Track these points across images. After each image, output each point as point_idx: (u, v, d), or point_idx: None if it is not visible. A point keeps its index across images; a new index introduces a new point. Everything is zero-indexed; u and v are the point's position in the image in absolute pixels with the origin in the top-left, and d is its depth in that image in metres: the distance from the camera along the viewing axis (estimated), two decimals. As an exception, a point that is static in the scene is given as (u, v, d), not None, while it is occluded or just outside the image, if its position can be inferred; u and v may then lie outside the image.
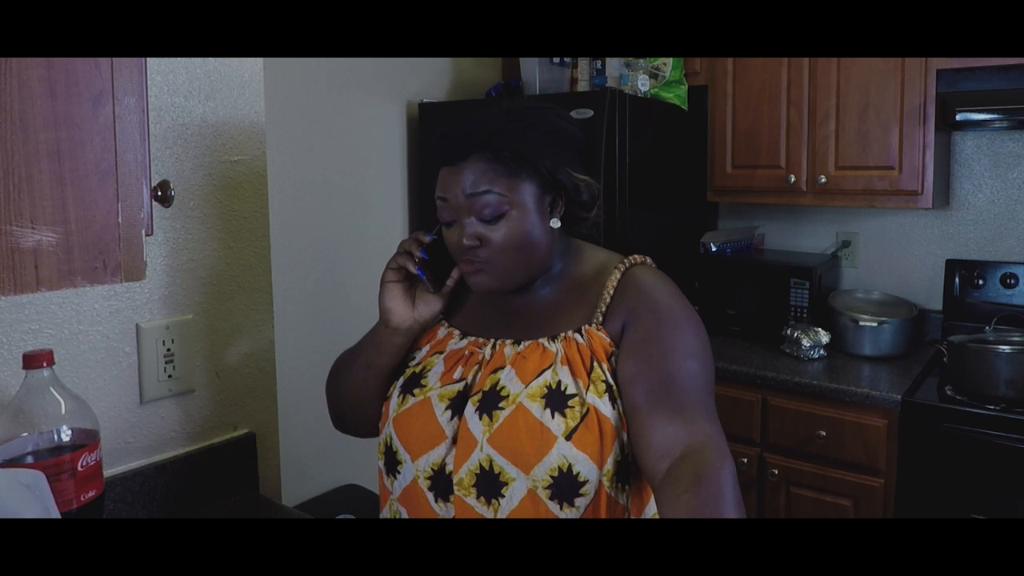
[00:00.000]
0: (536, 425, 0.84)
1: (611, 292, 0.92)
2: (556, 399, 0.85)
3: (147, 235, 0.72)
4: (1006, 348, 1.78)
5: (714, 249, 2.40)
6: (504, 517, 0.84)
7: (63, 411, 0.92)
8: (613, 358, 0.89)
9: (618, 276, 0.94)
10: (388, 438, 0.93)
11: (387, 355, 0.97)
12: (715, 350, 2.03)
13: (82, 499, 0.92)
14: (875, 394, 1.84)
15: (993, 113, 1.96)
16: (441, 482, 0.88)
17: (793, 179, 2.23)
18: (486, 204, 0.89)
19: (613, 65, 2.24)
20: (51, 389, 0.92)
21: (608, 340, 0.90)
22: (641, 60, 2.23)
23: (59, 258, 0.65)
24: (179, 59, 1.17)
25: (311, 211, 2.16)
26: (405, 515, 0.93)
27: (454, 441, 0.88)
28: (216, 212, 1.24)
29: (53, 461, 0.89)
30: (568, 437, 0.83)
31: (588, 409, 0.84)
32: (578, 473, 0.83)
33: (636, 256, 0.98)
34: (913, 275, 2.39)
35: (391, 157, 2.40)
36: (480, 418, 0.86)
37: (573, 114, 2.03)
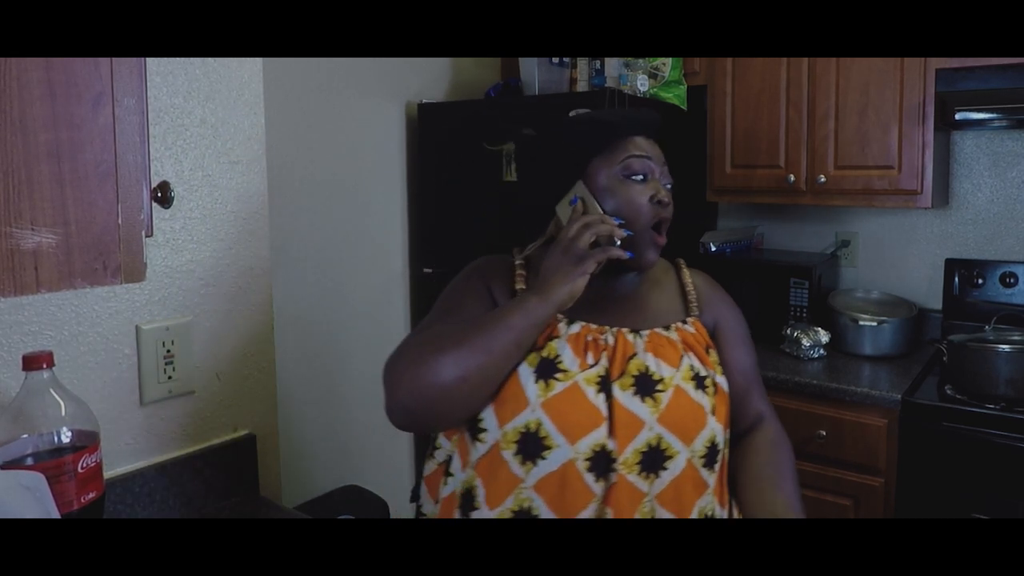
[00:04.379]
0: (693, 404, 0.97)
1: (692, 289, 1.11)
2: (699, 381, 1.00)
3: (147, 236, 0.72)
4: (1006, 347, 1.78)
5: (713, 249, 2.40)
6: (664, 486, 0.95)
7: (63, 413, 0.92)
8: (711, 348, 1.07)
9: (688, 275, 1.13)
10: (533, 424, 0.93)
11: (538, 334, 0.95)
12: (715, 350, 2.03)
13: (82, 500, 0.92)
14: (875, 394, 1.84)
15: (992, 112, 1.96)
16: (601, 461, 0.93)
17: (792, 179, 2.23)
18: (669, 176, 1.06)
19: (612, 65, 2.24)
20: (51, 391, 0.92)
21: (706, 329, 1.09)
22: (640, 60, 2.23)
23: (59, 259, 0.64)
24: (178, 60, 1.17)
25: (311, 212, 2.16)
26: (539, 503, 0.92)
27: (610, 421, 0.94)
28: (216, 213, 1.24)
29: (53, 463, 0.89)
30: (713, 412, 0.99)
31: (717, 388, 1.02)
32: (719, 443, 1.00)
33: (679, 259, 1.18)
34: (913, 274, 2.39)
35: (391, 157, 2.40)
36: (643, 400, 0.95)
37: (572, 114, 2.04)
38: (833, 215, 2.51)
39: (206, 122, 1.21)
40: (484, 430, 0.95)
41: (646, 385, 0.96)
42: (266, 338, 1.33)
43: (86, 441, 0.93)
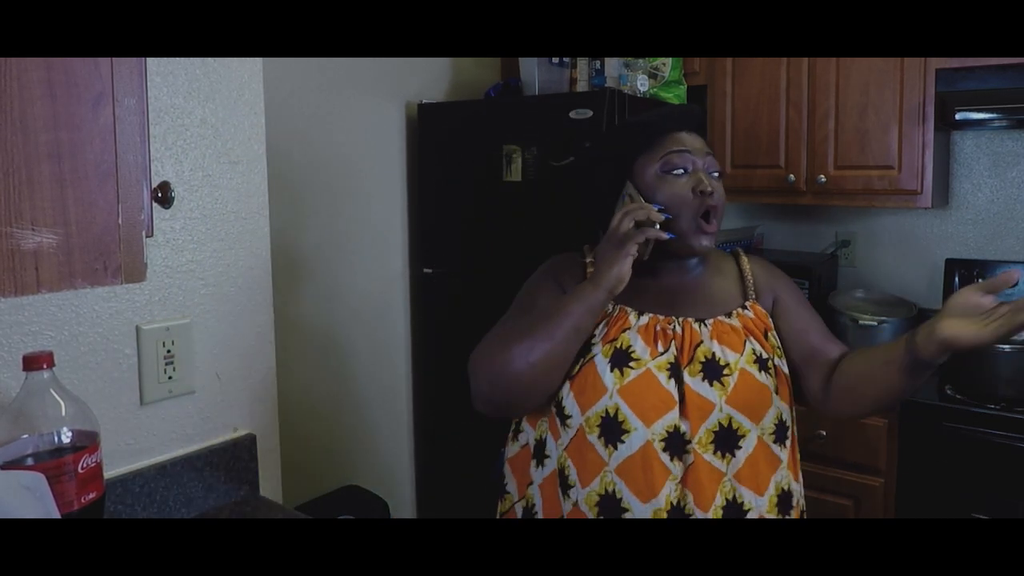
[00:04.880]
0: (759, 385, 1.04)
1: (751, 275, 1.16)
2: (762, 363, 1.06)
3: (147, 236, 0.72)
4: (1006, 347, 1.78)
5: (714, 249, 2.40)
6: (740, 464, 1.02)
7: (63, 413, 0.92)
8: (769, 330, 1.12)
9: (746, 262, 1.19)
10: (612, 409, 1.02)
11: (594, 318, 1.04)
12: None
13: (82, 501, 0.92)
14: (875, 394, 1.84)
15: (992, 112, 1.96)
16: (676, 442, 1.01)
17: (792, 179, 2.23)
18: (713, 163, 1.10)
19: (612, 65, 2.24)
20: (51, 391, 0.92)
21: (766, 312, 1.13)
22: (640, 60, 2.23)
23: (59, 260, 0.64)
24: (179, 60, 1.17)
25: (311, 212, 2.16)
26: (621, 487, 1.01)
27: (681, 404, 1.02)
28: (216, 213, 1.24)
29: (53, 463, 0.89)
30: (776, 391, 1.06)
31: (778, 370, 1.08)
32: (785, 420, 1.08)
33: (737, 249, 1.24)
34: (913, 274, 2.39)
35: (391, 157, 2.40)
36: (711, 385, 1.02)
37: (572, 115, 2.04)
38: (833, 215, 2.51)
39: (206, 122, 1.21)
40: (569, 416, 1.05)
41: (714, 370, 1.03)
42: (266, 338, 1.33)
43: (86, 441, 0.93)
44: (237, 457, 1.26)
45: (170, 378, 1.18)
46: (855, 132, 2.13)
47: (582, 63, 2.32)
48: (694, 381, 1.03)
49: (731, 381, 1.03)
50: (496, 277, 2.10)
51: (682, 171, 1.07)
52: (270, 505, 1.26)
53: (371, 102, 2.31)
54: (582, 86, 2.31)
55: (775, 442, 1.06)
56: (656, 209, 1.03)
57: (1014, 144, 2.22)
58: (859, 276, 2.48)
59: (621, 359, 1.04)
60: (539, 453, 1.09)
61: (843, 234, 2.50)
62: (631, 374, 1.03)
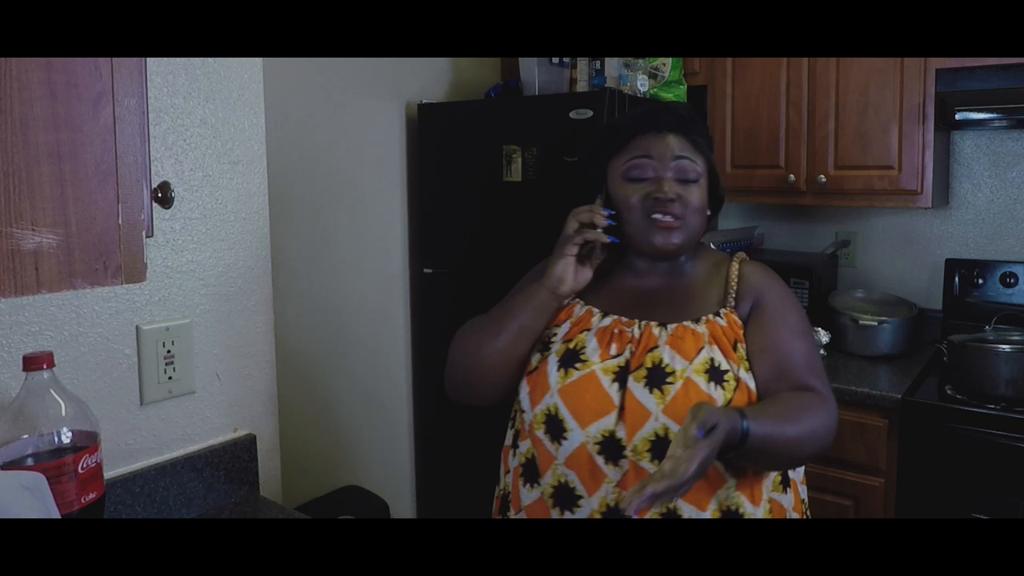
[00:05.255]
0: (704, 396, 0.98)
1: (735, 281, 1.10)
2: (715, 374, 1.00)
3: (147, 236, 0.72)
4: (1006, 347, 1.78)
5: (714, 249, 2.40)
6: None
7: (63, 413, 0.92)
8: (740, 342, 1.05)
9: (737, 268, 1.12)
10: (552, 408, 1.03)
11: (542, 319, 1.08)
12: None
13: (83, 501, 0.92)
14: (875, 394, 1.84)
15: (992, 112, 1.96)
16: (611, 447, 0.99)
17: (792, 179, 2.22)
18: (686, 167, 1.06)
19: (612, 65, 2.23)
20: (51, 391, 0.92)
21: (740, 322, 1.07)
22: (640, 60, 2.23)
23: (59, 260, 0.64)
24: (179, 60, 1.17)
25: (311, 212, 2.16)
26: (573, 478, 1.01)
27: (620, 411, 0.99)
28: (216, 213, 1.24)
29: (54, 463, 0.89)
30: (726, 406, 0.97)
31: (739, 382, 1.01)
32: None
33: (741, 253, 1.17)
34: (913, 274, 2.39)
35: (391, 157, 2.40)
36: (651, 392, 0.98)
37: (572, 115, 2.04)
38: (833, 215, 2.51)
39: (206, 122, 1.21)
40: (524, 411, 1.07)
41: (658, 377, 1.00)
42: (266, 338, 1.33)
43: (86, 441, 0.93)
44: (237, 457, 1.26)
45: (170, 378, 1.18)
46: (855, 132, 2.13)
47: (582, 63, 2.32)
48: (637, 387, 1.00)
49: (672, 390, 0.98)
50: (496, 277, 2.09)
51: (641, 178, 1.06)
52: (270, 505, 1.26)
53: (371, 102, 2.31)
54: (582, 86, 2.31)
55: (719, 459, 0.96)
56: (605, 213, 1.04)
57: (1014, 144, 2.22)
58: (859, 276, 2.47)
59: (570, 359, 1.04)
60: (514, 443, 1.12)
61: (843, 234, 2.49)
62: (574, 375, 1.02)
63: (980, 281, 2.20)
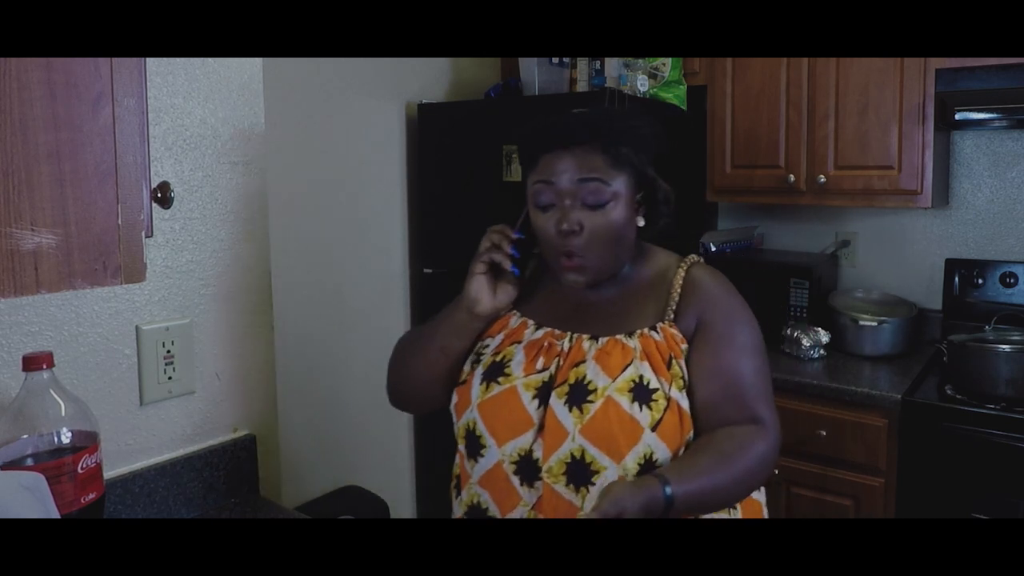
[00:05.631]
0: (626, 417, 0.90)
1: (678, 291, 1.00)
2: (641, 392, 0.92)
3: (147, 237, 0.72)
4: (1006, 347, 1.78)
5: (713, 249, 2.40)
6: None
7: (63, 413, 0.92)
8: (684, 354, 0.97)
9: (682, 275, 1.02)
10: (471, 423, 0.98)
11: (465, 339, 1.03)
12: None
13: (82, 501, 0.92)
14: (875, 394, 1.84)
15: (992, 112, 1.96)
16: (527, 467, 0.93)
17: (792, 179, 2.22)
18: (592, 191, 0.94)
19: (612, 65, 2.23)
20: (51, 391, 0.92)
21: (680, 336, 0.98)
22: (640, 60, 2.23)
23: (59, 260, 0.64)
24: (178, 61, 1.17)
25: (310, 212, 2.16)
26: (486, 498, 0.97)
27: (540, 429, 0.93)
28: (216, 214, 1.24)
29: (53, 463, 0.89)
30: (654, 428, 0.91)
31: (670, 402, 0.93)
32: (658, 460, 0.91)
33: (693, 256, 1.06)
34: (913, 274, 2.39)
35: (390, 157, 2.40)
36: (570, 410, 0.92)
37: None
38: (833, 215, 2.51)
39: (206, 122, 1.21)
40: (453, 424, 1.02)
41: (578, 394, 0.92)
42: (266, 338, 1.33)
43: (86, 442, 0.93)
44: (237, 457, 1.26)
45: (170, 378, 1.18)
46: (855, 132, 2.13)
47: (582, 63, 2.32)
48: (558, 404, 0.93)
49: (592, 408, 0.91)
50: (496, 277, 2.10)
51: (546, 206, 0.96)
52: (270, 505, 1.26)
53: (371, 102, 2.31)
54: (582, 86, 2.31)
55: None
56: (514, 236, 0.99)
57: (1014, 144, 2.22)
58: (859, 276, 2.47)
59: (493, 373, 0.98)
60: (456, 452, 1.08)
61: (843, 234, 2.49)
62: (495, 389, 0.96)
63: (980, 281, 2.20)
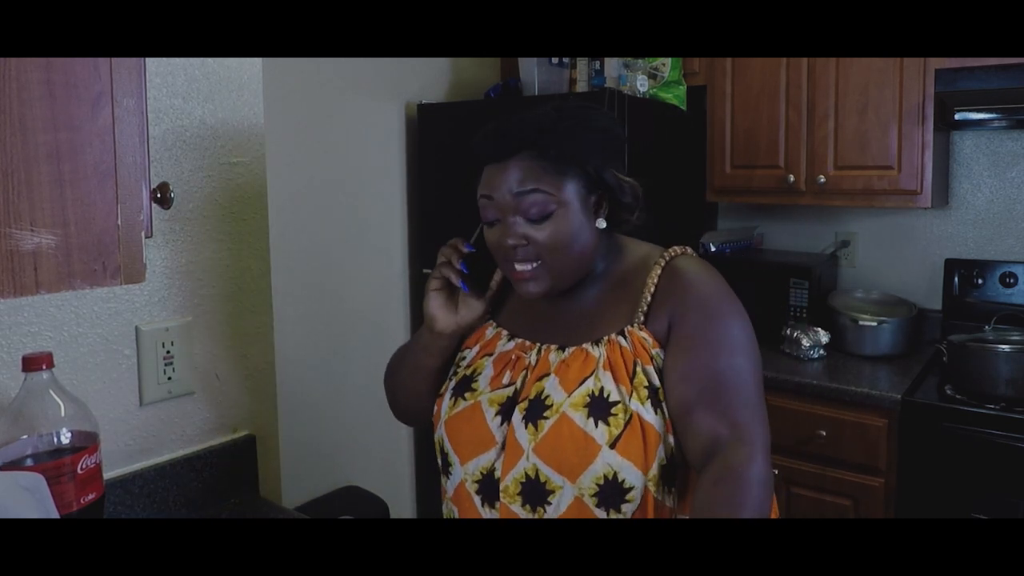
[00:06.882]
0: (580, 434, 0.84)
1: (652, 289, 0.91)
2: (599, 407, 0.84)
3: (146, 237, 0.72)
4: (1006, 347, 1.78)
5: (713, 249, 2.40)
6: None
7: (63, 413, 0.92)
8: (656, 358, 0.88)
9: (659, 271, 0.92)
10: (441, 440, 0.95)
11: (434, 357, 1.00)
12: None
13: (82, 501, 0.92)
14: (875, 394, 1.84)
15: (992, 112, 1.96)
16: (489, 487, 0.89)
17: (792, 179, 2.22)
18: (533, 203, 0.87)
19: (612, 65, 2.23)
20: (51, 391, 0.92)
21: (652, 340, 0.89)
22: (640, 60, 2.23)
23: (58, 260, 0.64)
24: (178, 61, 1.17)
25: (310, 212, 2.16)
26: (456, 514, 0.94)
27: (503, 447, 0.88)
28: (215, 214, 1.24)
29: (53, 464, 0.89)
30: (612, 445, 0.83)
31: (631, 416, 0.84)
32: (623, 480, 0.83)
33: (676, 248, 0.96)
34: (912, 275, 2.39)
35: (390, 158, 2.40)
36: (526, 427, 0.86)
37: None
38: (833, 215, 2.51)
39: (206, 122, 1.21)
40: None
41: (535, 410, 0.87)
42: (266, 338, 1.33)
43: (86, 442, 0.93)
44: (237, 457, 1.26)
45: (170, 378, 1.18)
46: (855, 132, 2.13)
47: (582, 63, 2.32)
48: (517, 420, 0.87)
49: (546, 425, 0.85)
50: (496, 277, 2.10)
51: (495, 221, 0.90)
52: (270, 506, 1.26)
53: (371, 102, 2.31)
54: (582, 86, 2.31)
55: (599, 506, 0.83)
56: (465, 251, 0.95)
57: (1014, 144, 2.22)
58: (859, 276, 2.47)
59: (463, 388, 0.94)
60: None
61: (843, 234, 2.49)
62: (461, 405, 0.93)
63: (980, 281, 2.20)
